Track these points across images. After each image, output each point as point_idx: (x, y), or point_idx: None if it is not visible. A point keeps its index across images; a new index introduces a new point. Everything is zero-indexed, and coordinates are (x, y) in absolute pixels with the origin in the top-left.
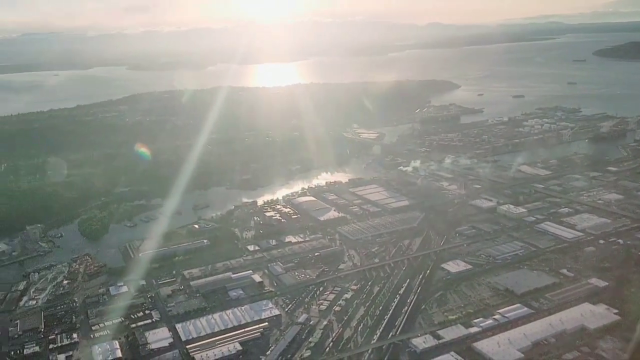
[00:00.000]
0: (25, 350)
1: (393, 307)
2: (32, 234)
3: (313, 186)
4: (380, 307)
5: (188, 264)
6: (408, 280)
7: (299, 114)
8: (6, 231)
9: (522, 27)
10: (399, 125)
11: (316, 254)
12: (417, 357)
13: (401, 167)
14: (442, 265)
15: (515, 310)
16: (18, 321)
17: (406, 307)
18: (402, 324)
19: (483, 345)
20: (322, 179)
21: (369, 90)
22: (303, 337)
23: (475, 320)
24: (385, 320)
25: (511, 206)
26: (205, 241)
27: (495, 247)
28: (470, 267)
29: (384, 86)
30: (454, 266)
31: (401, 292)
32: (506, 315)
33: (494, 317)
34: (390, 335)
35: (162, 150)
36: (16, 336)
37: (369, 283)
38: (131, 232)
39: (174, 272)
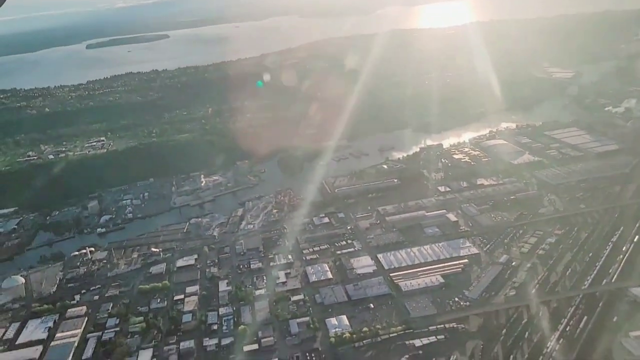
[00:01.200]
0: (251, 265)
1: (605, 255)
2: (242, 168)
3: (502, 129)
4: (590, 254)
5: (381, 201)
6: (622, 228)
7: (479, 53)
8: (221, 165)
9: None
10: (600, 62)
11: (512, 197)
12: (638, 308)
13: (609, 108)
14: None
15: None
16: (242, 241)
17: (621, 256)
18: (617, 272)
19: None
20: (511, 122)
21: (560, 25)
22: (505, 277)
23: None
24: (597, 267)
25: None
26: (395, 180)
27: None
28: None
29: (578, 19)
30: None
31: (614, 239)
32: None
33: None
34: (604, 282)
35: (342, 94)
36: (242, 253)
37: (575, 229)
38: (323, 169)
39: (369, 207)
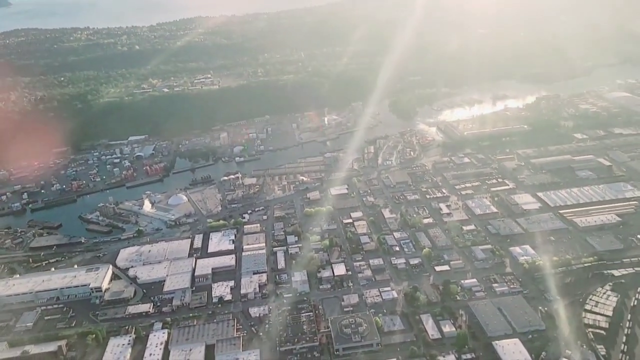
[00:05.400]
0: (407, 197)
1: None
2: (357, 109)
3: (621, 82)
4: None
5: (515, 144)
6: None
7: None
8: (335, 107)
9: None
10: None
11: None
12: None
13: None
14: None
15: None
16: (388, 175)
17: None
18: None
19: None
20: (628, 78)
21: None
22: None
23: None
24: None
25: None
26: (525, 126)
27: None
28: None
29: None
30: None
31: None
32: None
33: None
34: None
35: (446, 45)
36: (392, 185)
37: None
38: (437, 114)
39: (507, 150)
